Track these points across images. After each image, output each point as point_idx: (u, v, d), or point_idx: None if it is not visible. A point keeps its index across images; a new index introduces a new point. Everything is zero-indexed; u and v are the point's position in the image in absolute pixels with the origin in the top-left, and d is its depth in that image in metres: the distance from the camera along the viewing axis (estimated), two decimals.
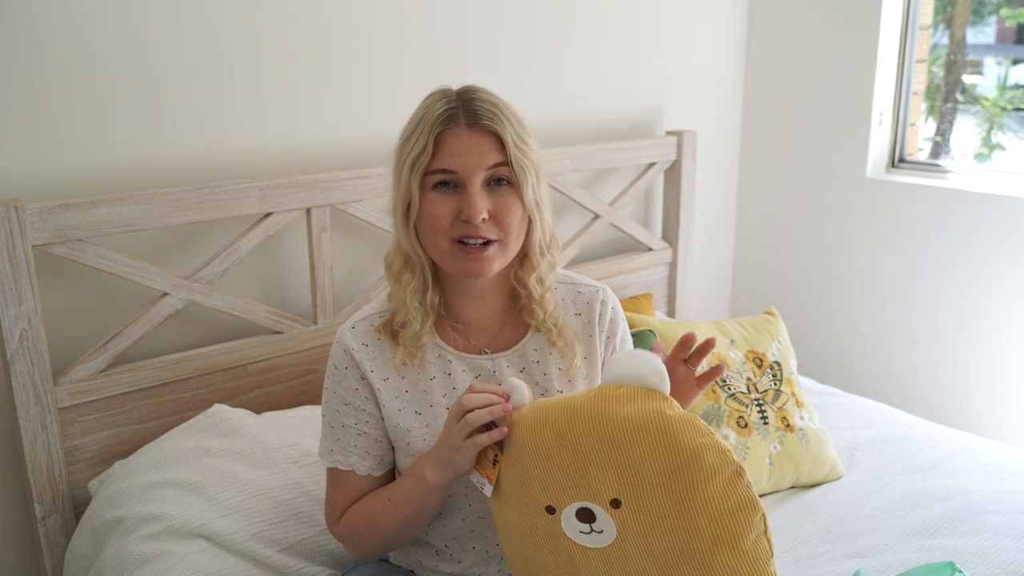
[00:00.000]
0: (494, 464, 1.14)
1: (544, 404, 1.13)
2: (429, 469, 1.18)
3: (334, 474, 1.30)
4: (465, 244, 1.20)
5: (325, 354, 1.85)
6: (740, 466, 1.06)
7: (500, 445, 1.14)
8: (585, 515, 1.09)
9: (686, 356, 1.30)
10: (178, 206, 1.65)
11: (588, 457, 1.07)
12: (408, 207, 1.21)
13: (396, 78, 2.00)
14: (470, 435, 1.12)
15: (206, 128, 1.76)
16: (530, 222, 1.24)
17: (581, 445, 1.07)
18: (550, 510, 1.10)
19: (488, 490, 1.15)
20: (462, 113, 1.19)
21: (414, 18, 2.01)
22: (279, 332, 1.84)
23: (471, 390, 1.15)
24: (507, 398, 1.14)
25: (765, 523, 1.07)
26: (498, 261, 1.22)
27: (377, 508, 1.25)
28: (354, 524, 1.28)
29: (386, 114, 1.96)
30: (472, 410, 1.12)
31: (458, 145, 1.18)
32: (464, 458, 1.14)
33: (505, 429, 1.12)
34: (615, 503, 1.07)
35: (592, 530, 1.09)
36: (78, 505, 1.63)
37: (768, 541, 1.07)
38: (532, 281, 1.27)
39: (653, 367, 1.09)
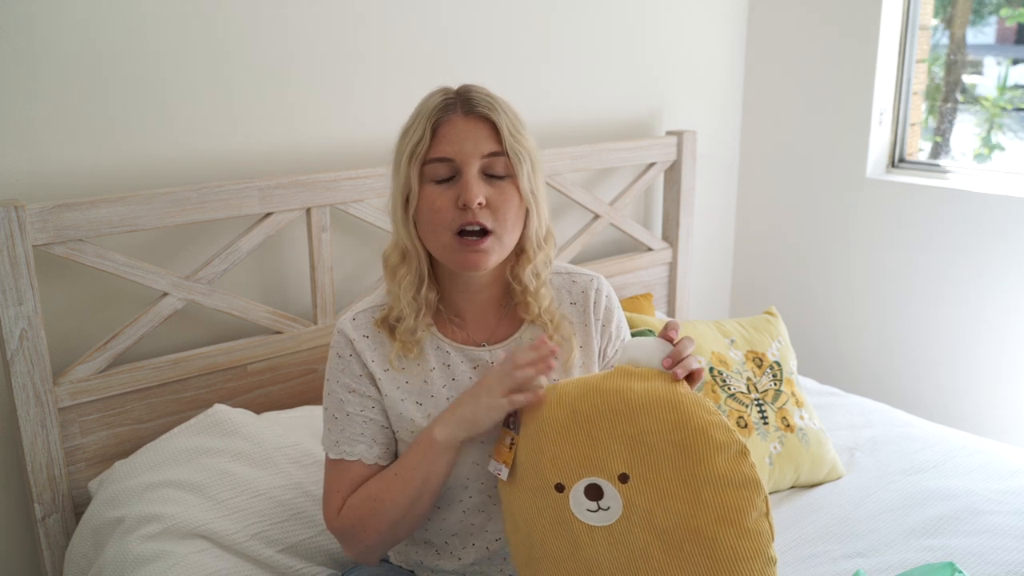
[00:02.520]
0: (510, 448, 1.17)
1: (560, 384, 1.19)
2: (438, 428, 1.21)
3: (338, 466, 1.27)
4: (464, 236, 1.20)
5: (325, 354, 1.85)
6: (745, 445, 1.10)
7: (516, 428, 1.18)
8: (593, 491, 1.12)
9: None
10: (178, 206, 1.65)
11: (600, 431, 1.12)
12: (407, 199, 1.22)
13: (396, 78, 2.00)
14: (509, 393, 1.18)
15: (206, 128, 1.76)
16: (527, 214, 1.25)
17: (594, 419, 1.13)
18: (559, 488, 1.13)
19: (504, 473, 1.17)
20: (458, 103, 1.21)
21: (415, 18, 2.01)
22: (279, 332, 1.84)
23: (516, 355, 1.20)
24: (555, 352, 1.21)
25: (767, 504, 1.10)
26: (495, 254, 1.22)
27: (382, 486, 1.23)
28: (357, 511, 1.24)
29: (386, 114, 1.96)
30: (521, 367, 1.18)
31: (454, 132, 1.20)
32: (492, 416, 1.18)
33: (540, 393, 1.18)
34: (623, 477, 1.11)
35: (599, 507, 1.12)
36: (78, 505, 1.63)
37: (769, 523, 1.10)
38: (527, 275, 1.28)
39: (665, 353, 1.16)
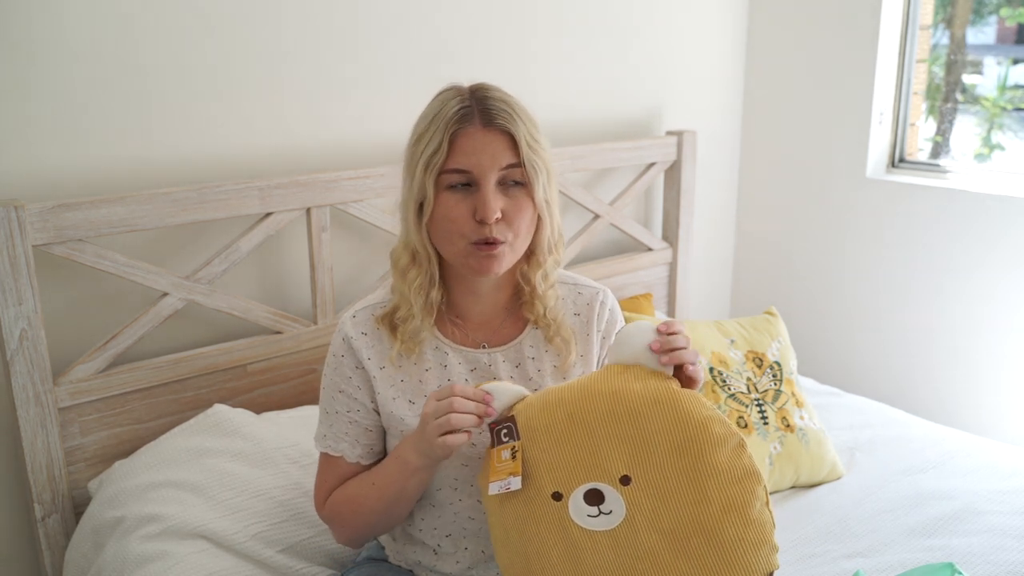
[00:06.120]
0: (514, 457, 1.15)
1: (553, 389, 1.18)
2: (412, 453, 1.20)
3: (325, 459, 1.33)
4: (477, 243, 1.21)
5: (325, 354, 1.84)
6: (742, 438, 1.12)
7: (516, 435, 1.16)
8: (594, 497, 1.11)
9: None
10: (178, 206, 1.65)
11: (599, 434, 1.12)
12: (421, 205, 1.22)
13: (396, 78, 2.00)
14: (444, 434, 1.13)
15: (206, 128, 1.76)
16: (539, 220, 1.25)
17: (592, 422, 1.12)
18: (557, 496, 1.12)
19: (516, 483, 1.13)
20: (476, 112, 1.20)
21: (415, 18, 2.01)
22: (279, 332, 1.84)
23: (453, 391, 1.15)
24: (490, 401, 1.16)
25: (766, 494, 1.12)
26: (507, 259, 1.23)
27: (360, 492, 1.27)
28: (338, 507, 1.30)
29: (387, 114, 1.96)
30: (454, 410, 1.13)
31: (472, 145, 1.19)
32: (438, 453, 1.15)
33: (467, 437, 1.14)
34: (625, 480, 1.10)
35: (600, 512, 1.11)
36: (78, 505, 1.63)
37: (770, 513, 1.12)
38: (537, 278, 1.29)
39: (648, 352, 1.15)
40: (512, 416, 1.17)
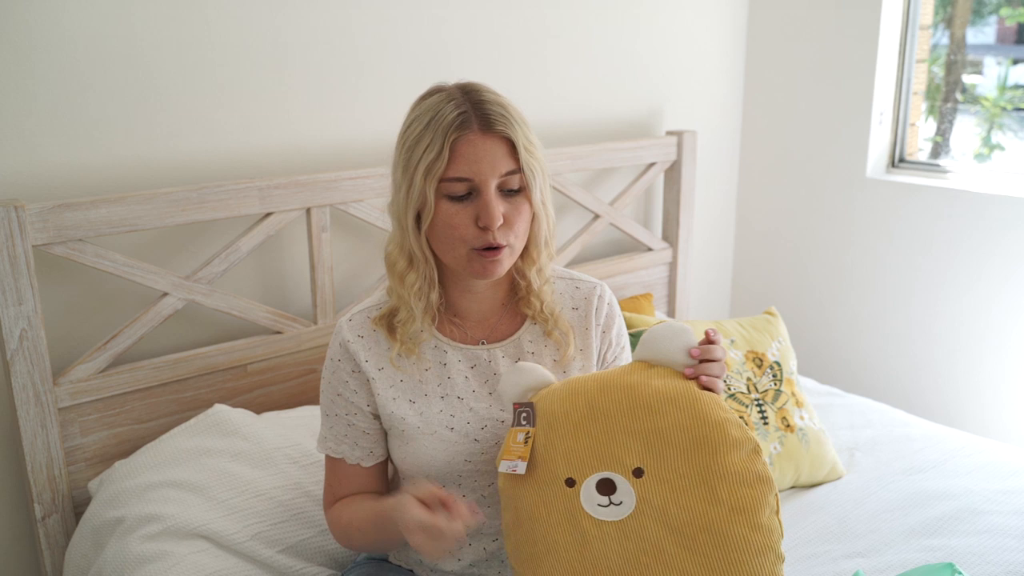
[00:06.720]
0: (526, 442, 1.17)
1: (577, 379, 1.21)
2: (394, 526, 1.16)
3: (329, 461, 1.35)
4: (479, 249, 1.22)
5: (325, 354, 1.85)
6: (758, 444, 1.13)
7: (532, 421, 1.18)
8: (606, 486, 1.13)
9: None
10: (178, 206, 1.65)
11: (616, 426, 1.14)
12: (419, 212, 1.22)
13: (396, 78, 2.00)
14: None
15: (206, 128, 1.76)
16: (534, 218, 1.26)
17: (611, 414, 1.15)
18: (570, 483, 1.14)
19: (522, 468, 1.16)
20: (474, 118, 1.19)
21: (414, 18, 2.01)
22: (279, 332, 1.84)
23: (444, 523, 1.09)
24: (475, 509, 1.12)
25: (777, 503, 1.13)
26: (508, 262, 1.25)
27: (352, 523, 1.29)
28: (334, 526, 1.34)
29: (386, 114, 1.96)
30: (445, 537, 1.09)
31: (473, 152, 1.18)
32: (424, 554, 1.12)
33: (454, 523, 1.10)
34: (638, 472, 1.12)
35: (611, 502, 1.13)
36: (78, 505, 1.63)
37: (779, 521, 1.13)
38: (532, 273, 1.30)
39: (681, 354, 1.18)
40: (532, 402, 1.19)
